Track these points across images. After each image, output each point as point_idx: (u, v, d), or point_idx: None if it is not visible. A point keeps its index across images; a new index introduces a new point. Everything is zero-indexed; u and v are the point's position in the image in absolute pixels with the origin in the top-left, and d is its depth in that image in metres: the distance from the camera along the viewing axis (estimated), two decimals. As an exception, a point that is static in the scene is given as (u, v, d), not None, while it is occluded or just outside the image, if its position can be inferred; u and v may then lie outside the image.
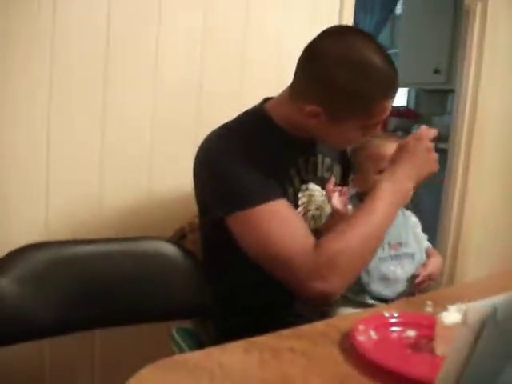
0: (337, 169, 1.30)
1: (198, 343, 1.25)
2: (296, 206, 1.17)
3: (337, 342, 0.86)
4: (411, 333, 0.92)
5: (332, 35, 1.08)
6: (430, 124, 3.88)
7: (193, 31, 1.50)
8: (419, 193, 1.19)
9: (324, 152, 1.25)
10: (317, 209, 1.23)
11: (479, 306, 0.44)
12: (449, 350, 0.48)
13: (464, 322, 0.43)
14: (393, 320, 0.96)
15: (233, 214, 1.05)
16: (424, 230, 1.40)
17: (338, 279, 1.00)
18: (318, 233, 1.22)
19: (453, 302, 0.88)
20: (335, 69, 1.02)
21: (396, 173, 1.09)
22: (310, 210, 1.21)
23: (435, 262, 1.34)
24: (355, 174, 1.31)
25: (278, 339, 0.86)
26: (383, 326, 0.94)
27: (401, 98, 4.48)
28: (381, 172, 1.19)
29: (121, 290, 1.12)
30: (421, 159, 1.10)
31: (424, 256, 1.33)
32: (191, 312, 1.21)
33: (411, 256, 1.30)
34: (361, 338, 0.86)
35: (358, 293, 1.25)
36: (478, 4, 2.12)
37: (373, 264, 1.21)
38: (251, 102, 1.23)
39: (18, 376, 1.37)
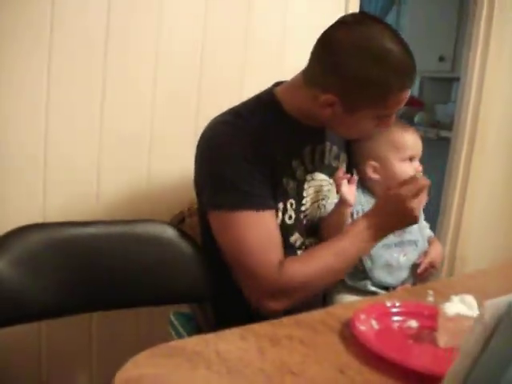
0: (343, 157, 1.28)
1: (196, 328, 1.24)
2: (300, 197, 1.16)
3: (336, 330, 0.86)
4: (413, 323, 0.91)
5: (348, 23, 1.05)
6: (433, 112, 3.89)
7: (195, 18, 1.47)
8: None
9: (332, 139, 1.23)
10: (323, 198, 1.22)
11: (495, 303, 0.43)
12: (461, 345, 0.48)
13: (480, 318, 0.43)
14: (394, 310, 0.95)
15: (218, 211, 1.07)
16: (425, 218, 1.40)
17: (288, 302, 1.06)
18: (321, 221, 1.21)
19: (455, 291, 0.87)
20: (352, 57, 1.00)
21: (375, 222, 1.09)
22: (317, 201, 1.21)
23: (436, 250, 1.35)
24: (367, 161, 1.27)
25: (277, 327, 0.85)
26: (384, 315, 0.93)
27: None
28: (404, 160, 1.21)
29: (120, 273, 1.11)
30: (404, 216, 1.10)
31: (426, 244, 1.34)
32: (191, 296, 1.20)
33: (414, 243, 1.30)
34: (362, 327, 0.85)
35: (360, 279, 1.24)
36: (486, -10, 2.08)
37: (377, 251, 1.20)
38: (253, 86, 1.20)
39: (15, 360, 1.36)
